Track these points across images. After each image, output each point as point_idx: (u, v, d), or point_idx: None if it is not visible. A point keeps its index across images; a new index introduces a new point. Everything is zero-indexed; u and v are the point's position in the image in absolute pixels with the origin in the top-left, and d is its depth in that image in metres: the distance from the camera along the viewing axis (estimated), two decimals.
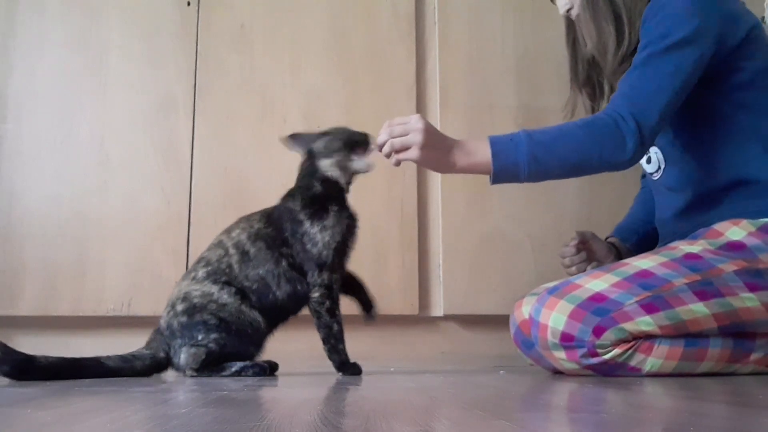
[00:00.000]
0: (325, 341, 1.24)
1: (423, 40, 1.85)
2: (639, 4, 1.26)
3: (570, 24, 1.43)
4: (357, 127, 1.65)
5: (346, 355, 1.25)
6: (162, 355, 1.20)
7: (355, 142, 1.28)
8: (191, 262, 1.63)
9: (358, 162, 1.27)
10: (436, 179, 1.78)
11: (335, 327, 1.23)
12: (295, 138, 1.32)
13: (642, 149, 1.16)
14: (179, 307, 1.22)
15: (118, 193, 1.66)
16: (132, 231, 1.65)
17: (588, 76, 1.43)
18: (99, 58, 1.71)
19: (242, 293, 1.22)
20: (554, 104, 1.83)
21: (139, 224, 1.65)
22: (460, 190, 1.77)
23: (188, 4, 1.75)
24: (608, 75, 1.35)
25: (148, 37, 1.73)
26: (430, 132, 1.18)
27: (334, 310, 1.24)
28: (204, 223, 1.67)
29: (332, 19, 1.80)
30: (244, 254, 1.24)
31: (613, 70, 1.30)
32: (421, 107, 1.81)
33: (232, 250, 1.25)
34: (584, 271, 1.40)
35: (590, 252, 1.45)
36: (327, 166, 1.28)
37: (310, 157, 1.30)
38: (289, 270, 1.24)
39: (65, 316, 1.60)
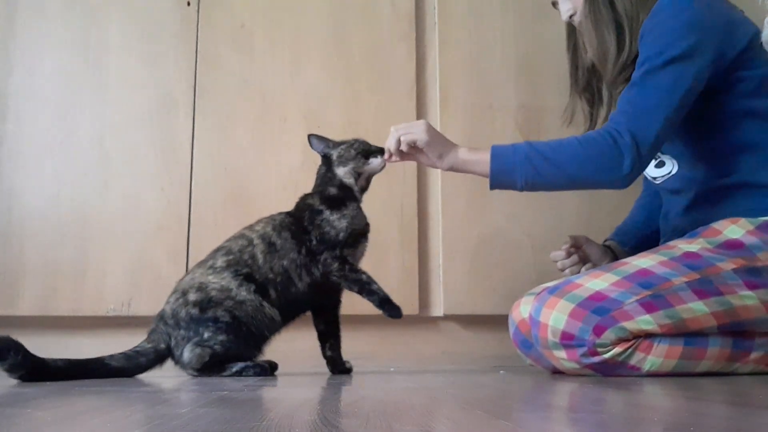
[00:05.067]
0: (360, 292, 1.28)
1: (423, 40, 1.85)
2: (641, 15, 1.26)
3: (571, 30, 1.43)
4: (357, 127, 1.66)
5: (384, 293, 1.27)
6: (163, 346, 1.20)
7: (370, 152, 1.34)
8: (191, 262, 1.63)
9: (372, 162, 1.34)
10: (436, 179, 1.78)
11: (363, 277, 1.28)
12: (315, 138, 1.37)
13: (639, 167, 1.18)
14: (192, 297, 1.20)
15: (118, 193, 1.66)
16: (132, 231, 1.64)
17: (588, 83, 1.43)
18: (99, 58, 1.71)
19: (263, 289, 1.23)
20: (554, 104, 1.84)
21: (139, 224, 1.65)
22: (460, 190, 1.77)
23: (188, 4, 1.75)
24: (608, 83, 1.36)
25: (148, 37, 1.73)
26: (432, 127, 1.28)
27: (355, 269, 1.29)
28: (204, 223, 1.67)
29: (332, 20, 1.80)
30: (270, 245, 1.26)
31: (613, 78, 1.30)
32: (421, 107, 1.81)
33: (257, 241, 1.27)
34: (578, 273, 1.40)
35: (584, 255, 1.45)
36: (342, 173, 1.33)
37: (328, 164, 1.36)
38: (306, 256, 1.27)
39: (65, 316, 1.60)
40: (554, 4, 1.42)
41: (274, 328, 1.25)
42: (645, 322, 1.15)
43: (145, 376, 1.19)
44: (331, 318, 1.34)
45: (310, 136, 1.37)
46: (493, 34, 1.86)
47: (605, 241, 1.51)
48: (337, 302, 1.35)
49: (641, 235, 1.48)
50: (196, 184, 1.69)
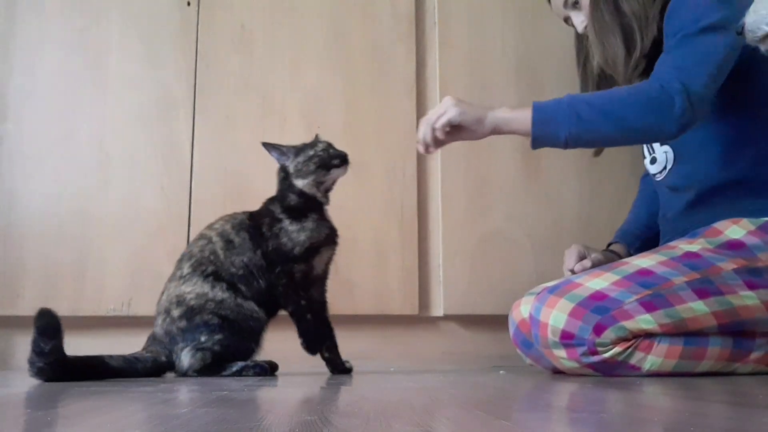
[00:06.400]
0: (291, 313, 1.28)
1: (423, 40, 1.85)
2: (651, 10, 1.26)
3: (581, 45, 1.43)
4: (357, 127, 1.64)
5: (308, 327, 1.28)
6: (163, 359, 1.20)
7: (331, 165, 1.30)
8: None
9: (333, 172, 1.31)
10: (436, 179, 1.78)
11: (302, 303, 1.27)
12: (269, 147, 1.33)
13: (691, 112, 1.13)
14: (175, 312, 1.21)
15: (118, 193, 1.66)
16: (132, 230, 1.64)
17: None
18: (99, 57, 1.70)
19: (233, 286, 1.24)
20: None
21: (139, 224, 1.65)
22: (460, 190, 1.77)
23: (188, 4, 1.75)
24: (623, 84, 1.35)
25: (148, 37, 1.73)
26: (458, 99, 1.22)
27: (297, 292, 1.27)
28: (204, 223, 1.65)
29: (332, 19, 1.80)
30: (228, 242, 1.27)
31: (629, 76, 1.30)
32: (421, 107, 1.81)
33: (215, 238, 1.28)
34: None
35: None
36: (302, 184, 1.30)
37: (285, 174, 1.32)
38: (261, 259, 1.26)
39: (65, 316, 1.57)
40: (566, 20, 1.42)
41: (259, 320, 1.25)
42: (645, 321, 1.15)
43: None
44: (320, 322, 1.31)
45: (264, 144, 1.32)
46: (493, 34, 1.86)
47: (610, 244, 1.50)
48: (322, 304, 1.34)
49: (645, 235, 1.47)
50: (196, 184, 1.69)
